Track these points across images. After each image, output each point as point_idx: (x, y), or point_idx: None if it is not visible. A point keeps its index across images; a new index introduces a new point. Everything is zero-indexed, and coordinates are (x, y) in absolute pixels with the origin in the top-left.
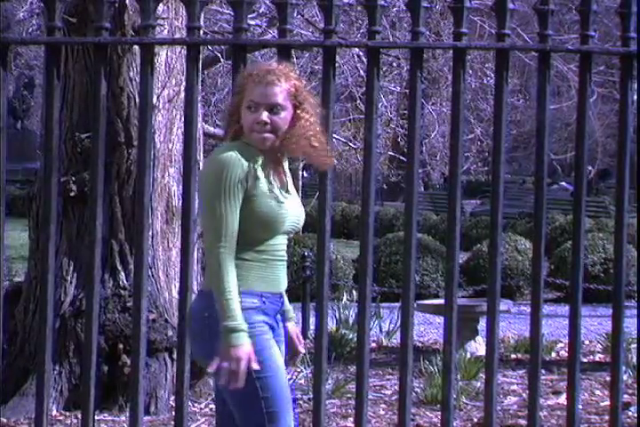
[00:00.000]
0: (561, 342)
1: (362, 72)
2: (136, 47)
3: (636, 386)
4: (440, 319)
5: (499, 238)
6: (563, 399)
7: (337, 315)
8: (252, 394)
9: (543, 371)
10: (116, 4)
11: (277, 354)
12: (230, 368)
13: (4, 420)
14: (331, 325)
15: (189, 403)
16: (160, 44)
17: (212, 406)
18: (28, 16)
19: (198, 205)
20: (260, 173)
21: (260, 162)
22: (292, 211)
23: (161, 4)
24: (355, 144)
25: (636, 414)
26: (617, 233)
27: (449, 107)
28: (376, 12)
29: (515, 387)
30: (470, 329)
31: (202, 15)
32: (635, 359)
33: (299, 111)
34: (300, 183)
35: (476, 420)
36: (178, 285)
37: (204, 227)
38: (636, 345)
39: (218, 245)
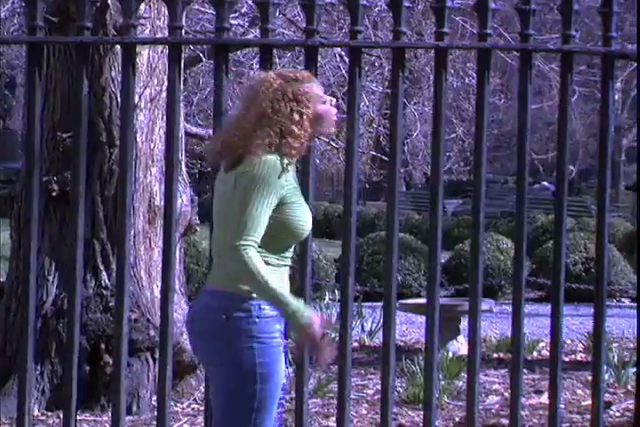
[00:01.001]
0: (543, 341)
1: (344, 72)
2: (118, 47)
3: (617, 385)
4: (422, 319)
5: (480, 238)
6: (544, 399)
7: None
8: (247, 403)
9: (525, 370)
10: (98, 4)
11: (283, 368)
12: (315, 345)
13: None
14: None
15: (171, 403)
16: (142, 43)
17: (195, 405)
18: (9, 15)
19: (219, 202)
20: (295, 181)
21: (293, 170)
22: (311, 216)
23: (143, 4)
24: (337, 144)
25: (617, 413)
26: (598, 232)
27: (431, 106)
28: (358, 11)
29: (497, 386)
30: (452, 328)
31: (184, 15)
32: (616, 359)
33: None
34: None
35: (457, 419)
36: (160, 284)
37: (232, 223)
38: (616, 344)
39: (246, 242)
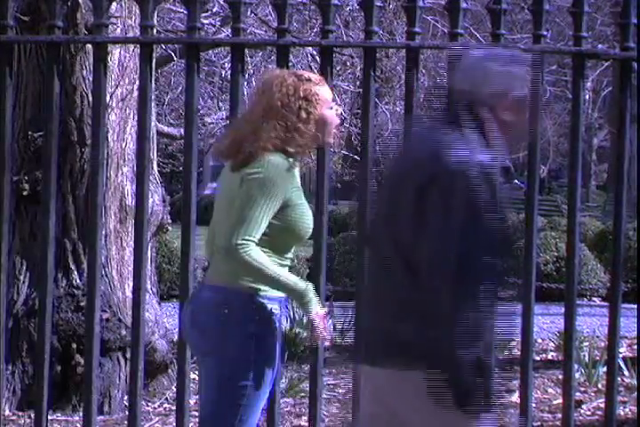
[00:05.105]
0: (513, 340)
1: (315, 71)
2: (89, 46)
3: (587, 384)
4: None
5: None
6: (515, 397)
7: (291, 314)
8: (236, 397)
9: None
10: (69, 3)
11: (275, 367)
12: (316, 329)
13: None
14: (285, 324)
15: (143, 402)
16: (113, 42)
17: (166, 405)
18: None
19: (222, 201)
20: (299, 182)
21: (298, 171)
22: (312, 217)
23: (114, 3)
24: None
25: (588, 412)
26: (569, 232)
27: (402, 106)
28: (329, 11)
29: None
30: None
31: (155, 14)
32: (587, 358)
33: None
34: None
35: None
36: (131, 284)
37: (231, 222)
38: (587, 344)
39: (244, 242)
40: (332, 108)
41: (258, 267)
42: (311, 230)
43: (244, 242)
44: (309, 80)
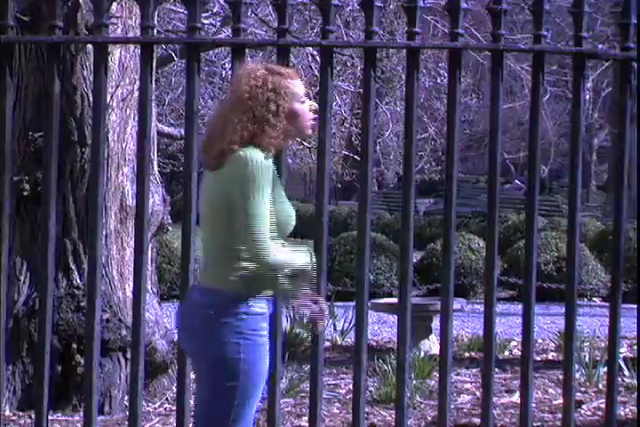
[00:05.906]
0: (514, 340)
1: (316, 71)
2: (89, 46)
3: (588, 384)
4: (394, 318)
5: (452, 237)
6: (516, 398)
7: (291, 314)
8: (227, 398)
9: (497, 369)
10: (70, 3)
11: (266, 366)
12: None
13: None
14: (285, 324)
15: (143, 403)
16: (114, 43)
17: (167, 405)
18: None
19: (208, 204)
20: (277, 177)
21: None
22: (294, 210)
23: (114, 3)
24: (309, 143)
25: (588, 413)
26: (570, 232)
27: (402, 106)
28: (330, 11)
29: (468, 385)
30: (424, 328)
31: (155, 14)
32: (587, 358)
33: None
34: None
35: (429, 418)
36: (132, 284)
37: (243, 230)
38: (587, 344)
39: (263, 247)
40: (303, 102)
41: (286, 265)
42: (294, 223)
43: (266, 249)
44: (279, 73)
